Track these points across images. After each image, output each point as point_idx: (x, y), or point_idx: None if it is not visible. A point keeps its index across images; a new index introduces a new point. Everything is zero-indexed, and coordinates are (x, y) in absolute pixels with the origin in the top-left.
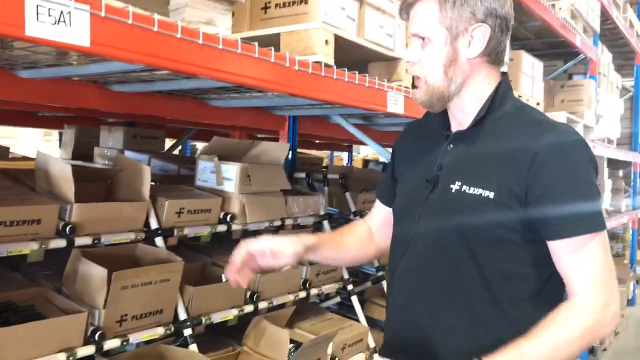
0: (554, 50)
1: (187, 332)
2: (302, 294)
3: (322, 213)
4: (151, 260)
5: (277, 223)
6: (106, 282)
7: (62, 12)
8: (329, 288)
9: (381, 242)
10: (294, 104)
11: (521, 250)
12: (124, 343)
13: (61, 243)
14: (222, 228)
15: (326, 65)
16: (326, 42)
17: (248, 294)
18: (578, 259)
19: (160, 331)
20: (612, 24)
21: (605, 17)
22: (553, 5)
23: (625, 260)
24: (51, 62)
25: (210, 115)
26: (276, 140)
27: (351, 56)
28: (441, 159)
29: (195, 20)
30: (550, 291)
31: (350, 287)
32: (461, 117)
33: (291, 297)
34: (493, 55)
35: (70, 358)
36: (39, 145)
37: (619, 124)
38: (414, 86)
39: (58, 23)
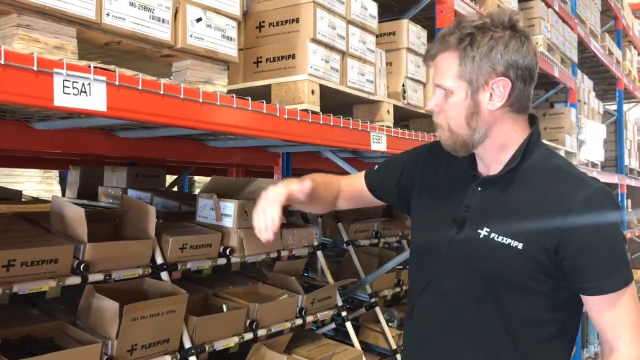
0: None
1: (192, 359)
2: (299, 321)
3: (315, 244)
4: (158, 293)
5: (274, 255)
6: (118, 314)
7: (83, 84)
8: (324, 315)
9: (336, 202)
10: (286, 144)
11: (544, 298)
12: None
13: (76, 280)
14: (222, 261)
15: (313, 112)
16: (312, 92)
17: (247, 322)
18: (615, 313)
19: (167, 359)
20: (591, 53)
21: (583, 46)
22: None
23: None
24: (64, 115)
25: (208, 155)
26: (271, 175)
27: (337, 101)
28: (468, 200)
29: (195, 80)
30: (565, 333)
31: (344, 313)
32: (488, 162)
33: (288, 325)
34: (516, 105)
35: None
36: (39, 184)
37: (602, 148)
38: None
39: (80, 94)
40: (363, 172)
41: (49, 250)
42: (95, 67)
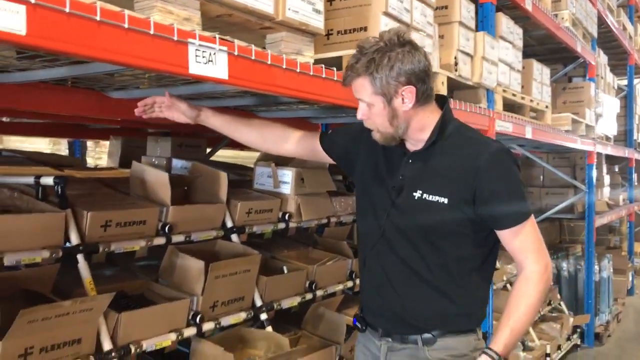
0: (554, 55)
1: (263, 316)
2: (349, 284)
3: None
4: (229, 254)
5: (324, 221)
6: (203, 272)
7: (210, 54)
8: None
9: (282, 144)
10: (332, 115)
11: (469, 238)
12: (217, 325)
13: (161, 241)
14: (281, 225)
15: None
16: None
17: (307, 283)
18: (521, 240)
19: (242, 315)
20: (607, 28)
21: (600, 21)
22: (556, 15)
23: (623, 252)
24: (145, 85)
25: None
26: None
27: None
28: (402, 170)
29: (288, 51)
30: (487, 266)
31: None
32: (413, 142)
33: (341, 287)
34: (423, 100)
35: (179, 337)
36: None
37: (615, 122)
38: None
39: (207, 63)
40: (319, 132)
41: (138, 212)
42: (220, 38)
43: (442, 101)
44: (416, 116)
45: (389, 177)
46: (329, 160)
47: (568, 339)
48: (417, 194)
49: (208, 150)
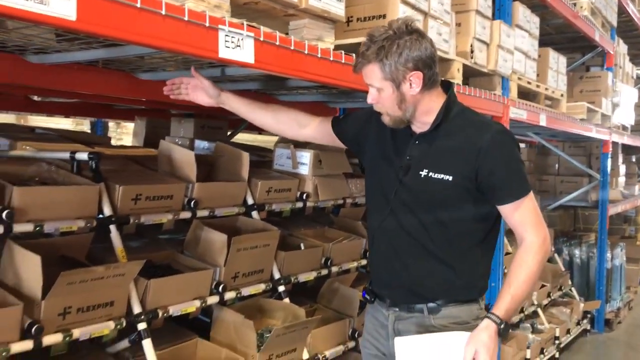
0: (572, 44)
1: (281, 288)
2: (363, 262)
3: None
4: (250, 230)
5: (340, 201)
6: (226, 245)
7: (238, 39)
8: None
9: (299, 129)
10: (350, 99)
11: (471, 213)
12: (238, 295)
13: (187, 215)
14: (299, 205)
15: None
16: None
17: (323, 259)
18: (520, 214)
19: (262, 287)
20: (627, 17)
21: (621, 10)
22: (574, 4)
23: (638, 242)
24: (174, 67)
25: None
26: None
27: None
28: (409, 151)
29: (310, 38)
30: (489, 240)
31: None
32: (420, 124)
33: (355, 264)
34: (429, 85)
35: (203, 304)
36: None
37: (633, 112)
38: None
39: (235, 48)
40: (331, 117)
41: (166, 187)
42: (248, 25)
43: (447, 86)
44: (423, 100)
45: (396, 157)
46: (340, 144)
47: (578, 323)
48: (424, 173)
49: (229, 132)
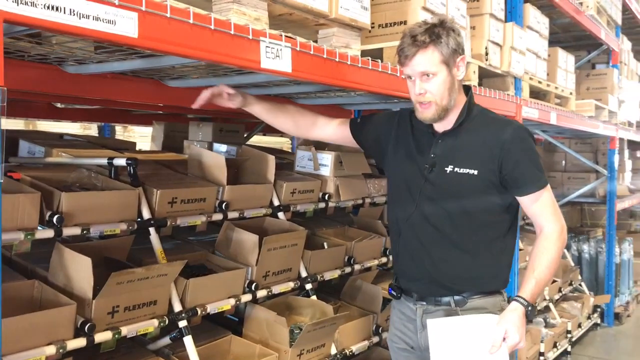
0: (578, 42)
1: (308, 286)
2: (384, 259)
3: None
4: (277, 230)
5: (360, 201)
6: (257, 245)
7: (277, 49)
8: None
9: (313, 129)
10: (365, 101)
11: (495, 204)
12: (269, 293)
13: (219, 217)
14: (322, 205)
15: None
16: None
17: (346, 258)
18: (540, 204)
19: (290, 285)
20: (631, 15)
21: (625, 8)
22: (581, 3)
23: None
24: (201, 75)
25: None
26: None
27: None
28: (434, 149)
29: (339, 45)
30: (511, 232)
31: None
32: (444, 123)
33: (376, 262)
34: (461, 76)
35: (237, 302)
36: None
37: (638, 108)
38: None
39: (275, 58)
40: (348, 119)
41: (200, 191)
42: (285, 36)
43: (466, 88)
44: (458, 92)
45: (419, 156)
46: (355, 145)
47: (588, 317)
48: (449, 169)
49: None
